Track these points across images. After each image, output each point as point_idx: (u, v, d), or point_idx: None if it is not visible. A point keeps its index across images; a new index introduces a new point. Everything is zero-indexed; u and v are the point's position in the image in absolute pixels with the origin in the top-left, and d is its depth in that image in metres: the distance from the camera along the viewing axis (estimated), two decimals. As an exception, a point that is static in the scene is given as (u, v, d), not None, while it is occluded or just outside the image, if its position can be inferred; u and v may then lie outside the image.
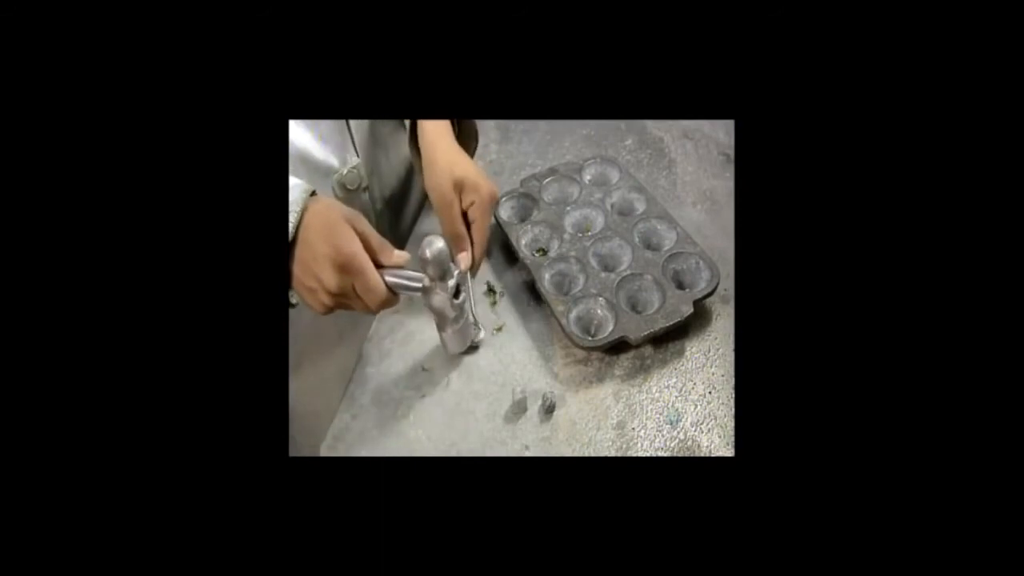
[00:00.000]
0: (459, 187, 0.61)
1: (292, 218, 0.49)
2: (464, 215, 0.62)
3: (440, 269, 0.51)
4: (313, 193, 0.51)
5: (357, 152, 0.66)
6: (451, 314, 0.55)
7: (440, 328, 0.57)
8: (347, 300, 0.51)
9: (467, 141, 0.72)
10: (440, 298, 0.53)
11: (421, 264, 0.51)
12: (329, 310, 0.52)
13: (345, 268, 0.49)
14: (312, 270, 0.49)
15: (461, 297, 0.55)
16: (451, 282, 0.53)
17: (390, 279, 0.51)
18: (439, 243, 0.50)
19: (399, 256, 0.53)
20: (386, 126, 0.72)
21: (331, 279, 0.49)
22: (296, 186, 0.51)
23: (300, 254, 0.49)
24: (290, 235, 0.48)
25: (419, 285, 0.52)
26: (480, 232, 0.62)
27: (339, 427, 0.58)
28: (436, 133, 0.64)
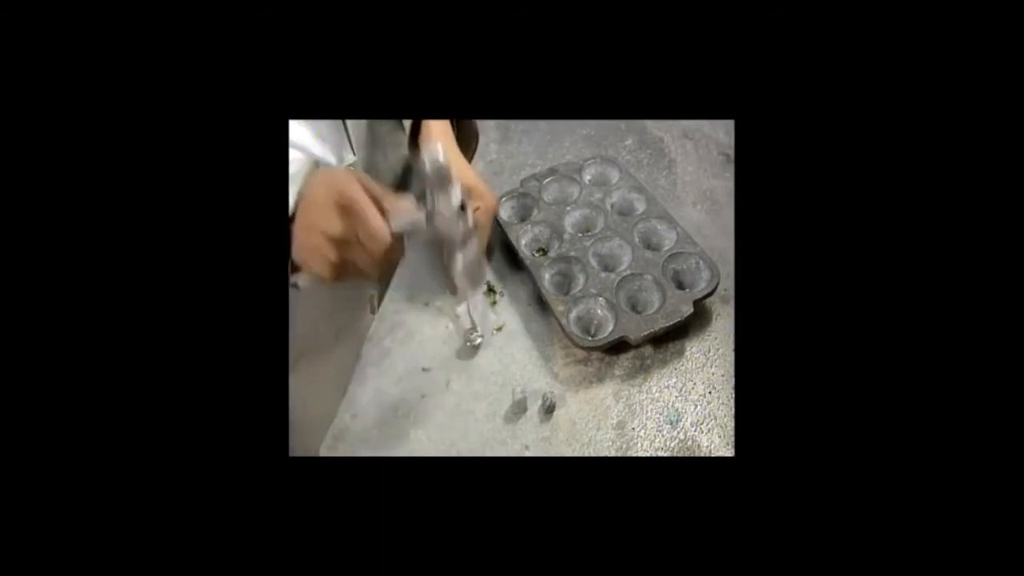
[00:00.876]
0: (466, 193, 0.62)
1: (295, 188, 0.48)
2: None
3: (439, 177, 0.49)
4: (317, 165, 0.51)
5: (353, 150, 0.66)
6: (459, 233, 0.52)
7: (450, 259, 0.53)
8: (351, 252, 0.50)
9: (467, 143, 0.72)
10: (443, 219, 0.50)
11: (423, 179, 0.49)
12: (335, 270, 0.50)
13: (348, 210, 0.48)
14: (315, 221, 0.48)
15: (468, 211, 0.52)
16: (454, 192, 0.50)
17: (394, 224, 0.49)
18: (438, 150, 0.48)
19: (403, 202, 0.50)
20: (384, 125, 0.72)
21: (334, 224, 0.48)
22: (297, 160, 0.50)
23: (302, 215, 0.48)
24: (293, 204, 0.47)
25: (422, 215, 0.50)
26: (481, 240, 0.64)
27: (339, 427, 0.58)
28: (443, 138, 0.65)
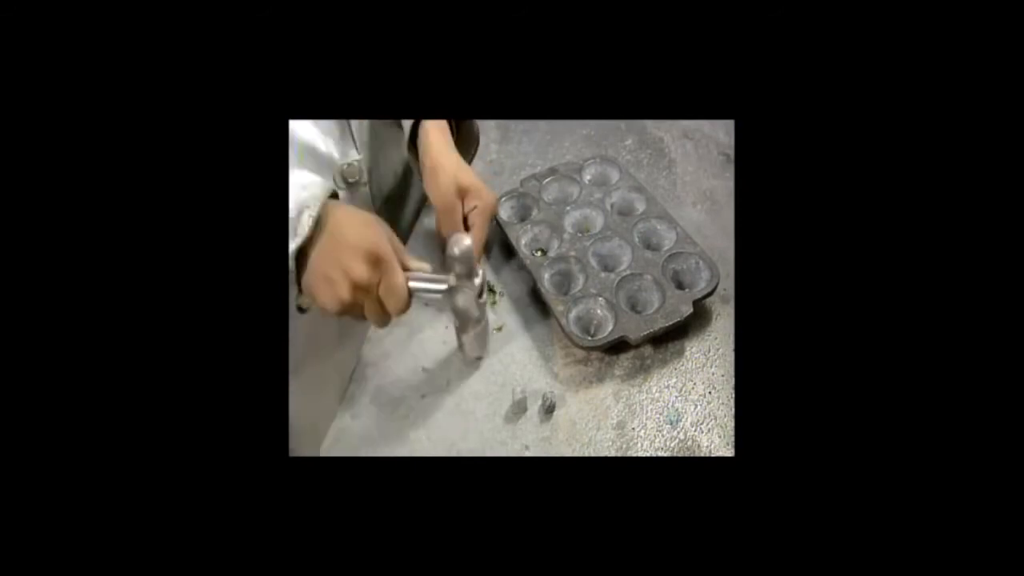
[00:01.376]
0: (463, 193, 0.63)
1: (312, 212, 0.48)
2: (464, 220, 0.64)
3: (467, 267, 0.51)
4: (335, 195, 0.52)
5: (357, 148, 0.67)
6: (475, 314, 0.55)
7: (462, 331, 0.57)
8: (364, 299, 0.51)
9: (467, 146, 0.72)
10: (466, 297, 0.52)
11: (449, 263, 0.51)
12: (342, 308, 0.50)
13: (377, 261, 0.49)
14: (339, 259, 0.48)
15: (484, 297, 0.55)
16: (477, 280, 0.52)
17: (413, 283, 0.51)
18: (466, 240, 0.50)
19: (420, 263, 0.53)
20: (386, 125, 0.73)
21: (360, 270, 0.48)
22: (316, 183, 0.51)
23: (326, 244, 0.49)
24: (309, 228, 0.48)
25: (443, 287, 0.52)
26: (480, 236, 0.64)
27: (339, 427, 0.58)
28: (440, 139, 0.65)
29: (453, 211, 0.63)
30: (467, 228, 0.64)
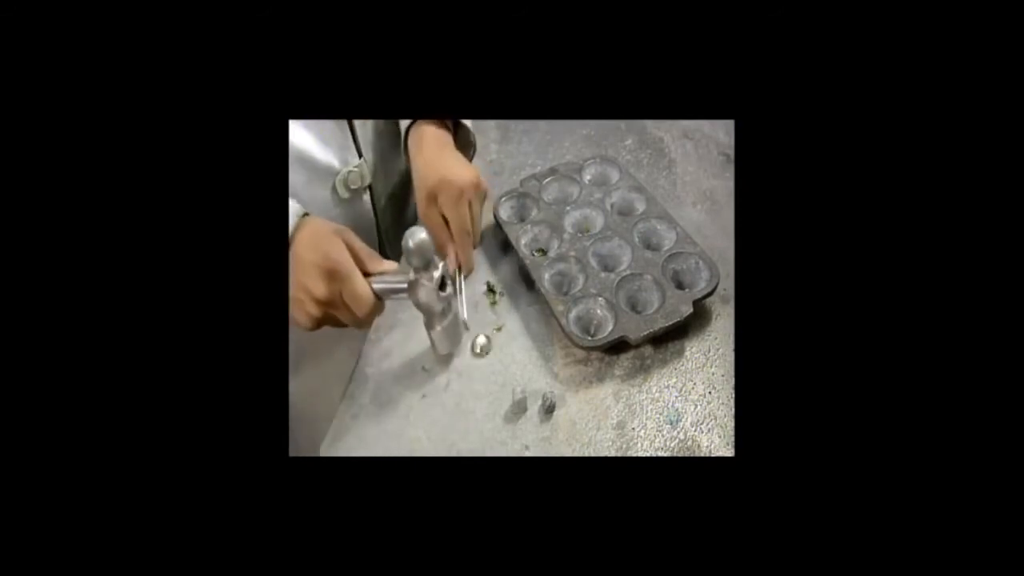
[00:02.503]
0: (433, 196, 0.62)
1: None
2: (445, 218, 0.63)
3: (423, 259, 0.51)
4: (306, 214, 0.53)
5: (359, 153, 0.67)
6: (438, 308, 0.55)
7: (428, 326, 0.57)
8: (334, 310, 0.52)
9: (464, 151, 0.72)
10: (426, 290, 0.53)
11: (405, 256, 0.51)
12: (315, 323, 0.52)
13: (333, 274, 0.50)
14: (300, 280, 0.50)
15: (448, 290, 0.55)
16: (436, 273, 0.52)
17: (376, 285, 0.52)
18: (421, 233, 0.50)
19: (387, 264, 0.53)
20: (391, 124, 0.73)
21: (319, 286, 0.50)
22: (289, 210, 0.52)
23: (292, 267, 0.50)
24: None
25: (404, 284, 0.52)
26: (456, 227, 0.62)
27: (339, 427, 0.58)
28: (422, 144, 0.65)
29: (427, 219, 0.63)
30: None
